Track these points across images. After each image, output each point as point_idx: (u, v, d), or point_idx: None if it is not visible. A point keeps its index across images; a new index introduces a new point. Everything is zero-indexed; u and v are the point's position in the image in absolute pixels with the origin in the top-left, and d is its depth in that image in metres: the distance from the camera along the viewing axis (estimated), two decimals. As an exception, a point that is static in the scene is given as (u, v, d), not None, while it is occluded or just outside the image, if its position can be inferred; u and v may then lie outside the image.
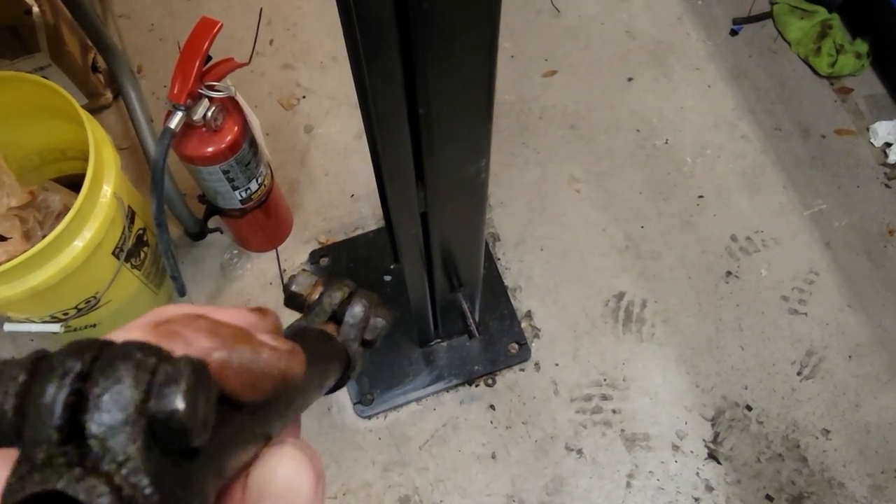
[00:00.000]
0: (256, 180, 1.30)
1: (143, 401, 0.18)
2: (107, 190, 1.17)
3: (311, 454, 0.22)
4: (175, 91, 1.09)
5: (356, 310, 0.37)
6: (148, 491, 0.18)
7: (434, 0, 0.54)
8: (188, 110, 1.11)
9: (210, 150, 1.18)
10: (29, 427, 0.18)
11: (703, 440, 1.36)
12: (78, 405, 0.19)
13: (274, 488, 0.21)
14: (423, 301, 1.24)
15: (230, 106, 1.20)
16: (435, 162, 0.79)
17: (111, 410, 0.18)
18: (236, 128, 1.19)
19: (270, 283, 1.49)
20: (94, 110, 1.65)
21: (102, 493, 0.17)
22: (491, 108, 0.78)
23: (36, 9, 1.38)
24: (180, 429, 0.18)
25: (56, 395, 0.18)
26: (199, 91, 1.11)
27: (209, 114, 1.14)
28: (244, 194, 1.30)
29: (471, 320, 1.20)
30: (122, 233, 1.23)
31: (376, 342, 0.39)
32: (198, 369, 0.19)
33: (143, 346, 0.19)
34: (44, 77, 1.51)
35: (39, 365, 0.19)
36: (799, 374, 1.41)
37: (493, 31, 0.63)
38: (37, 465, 0.18)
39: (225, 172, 1.23)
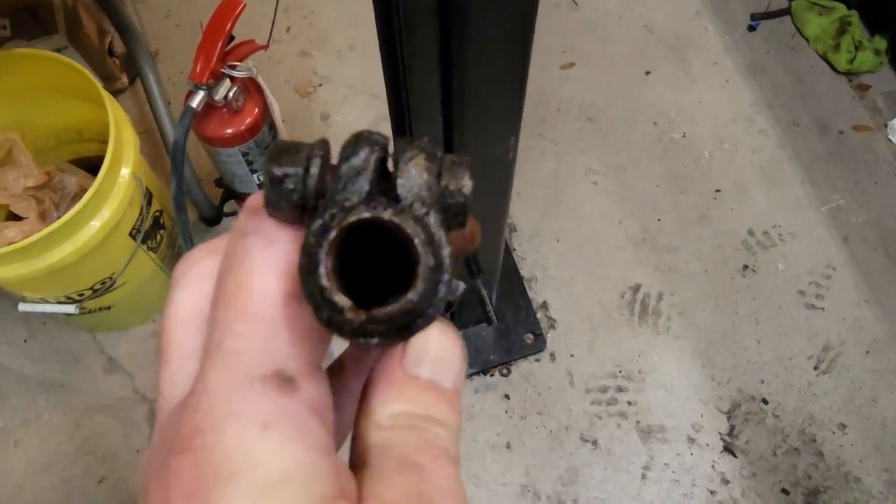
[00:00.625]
0: (275, 164, 1.30)
1: (437, 175, 0.22)
2: (125, 171, 1.16)
3: (459, 335, 0.25)
4: (197, 70, 1.09)
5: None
6: (444, 242, 0.21)
7: None
8: (210, 90, 1.11)
9: (230, 131, 1.18)
10: (340, 185, 0.21)
11: (719, 433, 1.35)
12: (383, 172, 0.22)
13: (432, 354, 0.23)
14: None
15: (251, 87, 1.20)
16: (465, 137, 0.79)
17: (415, 177, 0.21)
18: (257, 110, 1.19)
19: (285, 270, 1.49)
20: (111, 94, 1.64)
21: (417, 231, 0.21)
22: (524, 84, 0.78)
23: (55, -11, 1.38)
24: (463, 204, 0.22)
25: (369, 157, 0.21)
26: (222, 71, 1.11)
27: (230, 94, 1.14)
28: (262, 178, 1.29)
29: (490, 307, 1.19)
30: (140, 214, 1.22)
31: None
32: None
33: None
34: (61, 59, 1.51)
35: (351, 139, 0.22)
36: (815, 368, 1.40)
37: (532, 6, 0.62)
38: (349, 206, 0.21)
39: (244, 155, 1.23)
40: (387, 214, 0.21)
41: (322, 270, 0.20)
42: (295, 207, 0.22)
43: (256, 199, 0.23)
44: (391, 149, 0.22)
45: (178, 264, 0.25)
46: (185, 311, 0.24)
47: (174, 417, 0.21)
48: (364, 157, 0.21)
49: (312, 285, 0.20)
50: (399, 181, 0.21)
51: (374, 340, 0.21)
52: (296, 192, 0.21)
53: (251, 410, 0.20)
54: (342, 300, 0.20)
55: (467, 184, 0.21)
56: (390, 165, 0.22)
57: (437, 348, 0.24)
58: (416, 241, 0.20)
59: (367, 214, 0.21)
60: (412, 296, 0.20)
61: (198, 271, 0.24)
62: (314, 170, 0.22)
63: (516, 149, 0.85)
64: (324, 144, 0.22)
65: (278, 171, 0.21)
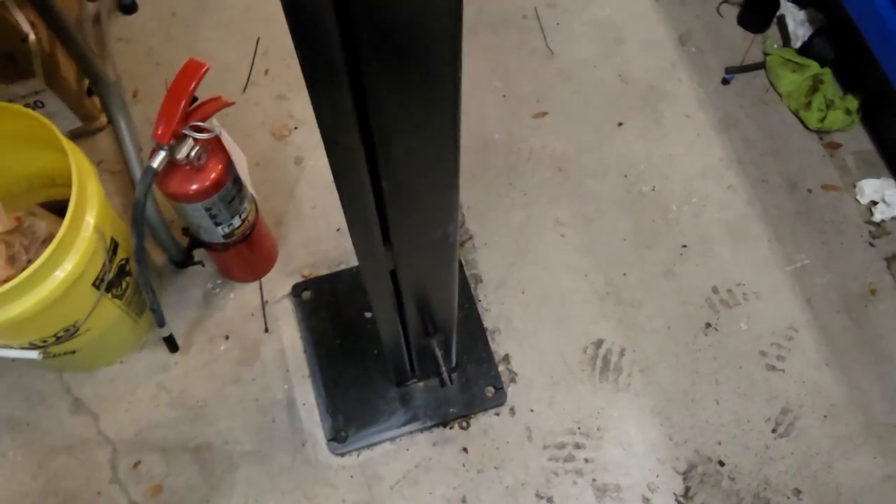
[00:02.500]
0: (240, 216, 1.32)
1: None
2: (90, 221, 1.18)
3: None
4: (159, 132, 1.11)
5: None
6: None
7: (385, 59, 0.52)
8: (171, 150, 1.13)
9: (193, 187, 1.19)
10: None
11: (675, 494, 1.36)
12: None
13: None
14: (397, 344, 1.25)
15: (215, 145, 1.21)
16: (401, 227, 0.80)
17: None
18: (220, 166, 1.21)
19: (252, 315, 1.50)
20: (89, 133, 1.66)
21: None
22: (456, 174, 0.79)
23: (32, 37, 1.40)
24: None
25: None
26: (183, 132, 1.13)
27: (192, 153, 1.15)
28: (227, 230, 1.31)
29: (443, 368, 1.20)
30: (103, 266, 1.24)
31: None
32: None
33: None
34: (39, 101, 1.53)
35: None
36: (773, 431, 1.41)
37: (455, 108, 0.63)
38: None
39: (208, 209, 1.24)
40: None
41: None
42: None
43: None
44: None
45: None
46: None
47: None
48: None
49: None
50: None
51: None
52: None
53: None
54: None
55: None
56: None
57: None
58: None
59: None
60: None
61: None
62: None
63: (456, 232, 0.86)
64: None
65: None
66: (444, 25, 0.50)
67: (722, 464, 1.38)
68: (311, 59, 0.53)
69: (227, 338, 1.48)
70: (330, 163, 0.69)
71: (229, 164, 1.23)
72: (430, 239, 0.85)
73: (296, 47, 0.51)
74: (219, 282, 1.53)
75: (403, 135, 0.63)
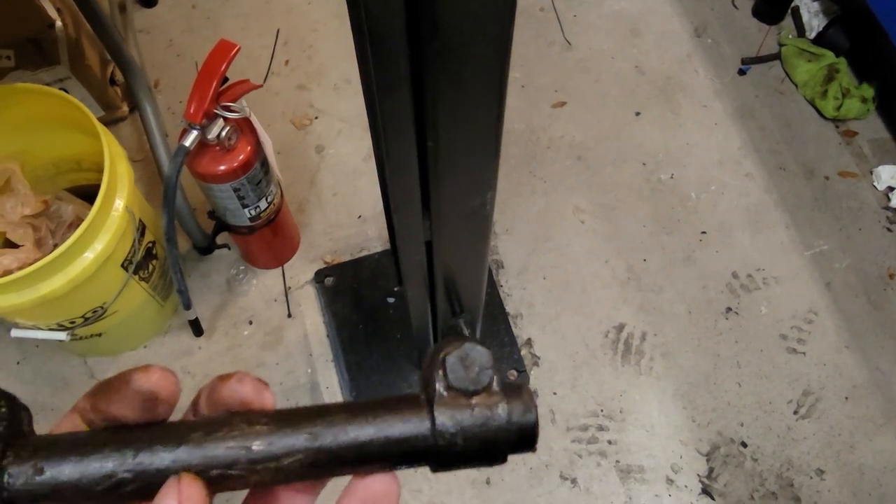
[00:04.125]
0: (266, 199, 1.33)
1: None
2: (119, 203, 1.19)
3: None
4: (191, 111, 1.12)
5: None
6: None
7: (444, 40, 0.56)
8: (203, 129, 1.14)
9: (222, 168, 1.20)
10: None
11: (698, 475, 1.36)
12: None
13: (374, 492, 0.27)
14: (424, 324, 1.26)
15: (244, 126, 1.22)
16: (441, 193, 0.81)
17: None
18: (249, 147, 1.22)
19: (275, 300, 1.51)
20: (111, 122, 1.68)
21: None
22: (498, 144, 0.80)
23: (59, 23, 1.42)
24: None
25: None
26: (215, 111, 1.14)
27: (223, 133, 1.16)
28: (253, 212, 1.32)
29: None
30: (132, 246, 1.25)
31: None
32: None
33: None
34: (63, 88, 1.55)
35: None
36: (795, 413, 1.41)
37: (503, 74, 0.65)
38: None
39: (236, 190, 1.25)
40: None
41: None
42: None
43: None
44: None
45: None
46: None
47: None
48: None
49: None
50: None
51: None
52: None
53: None
54: None
55: None
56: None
57: (382, 485, 0.27)
58: None
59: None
60: None
61: None
62: None
63: (493, 202, 0.87)
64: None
65: None
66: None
67: (745, 445, 1.38)
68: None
69: (250, 323, 1.49)
70: (379, 121, 0.70)
71: (258, 146, 1.24)
72: (468, 207, 0.86)
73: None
74: (242, 268, 1.54)
75: (453, 96, 0.65)
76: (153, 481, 0.23)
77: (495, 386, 0.26)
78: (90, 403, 0.24)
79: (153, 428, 0.24)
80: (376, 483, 0.27)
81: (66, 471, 0.23)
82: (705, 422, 1.40)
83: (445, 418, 0.25)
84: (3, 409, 0.23)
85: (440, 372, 0.26)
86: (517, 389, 0.26)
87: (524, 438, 0.26)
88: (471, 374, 0.26)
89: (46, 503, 0.23)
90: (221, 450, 0.24)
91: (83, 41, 1.52)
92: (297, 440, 0.24)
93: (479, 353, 0.26)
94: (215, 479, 0.24)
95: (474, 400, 0.25)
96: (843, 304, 1.51)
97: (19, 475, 0.22)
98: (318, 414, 0.25)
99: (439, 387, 0.26)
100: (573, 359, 1.46)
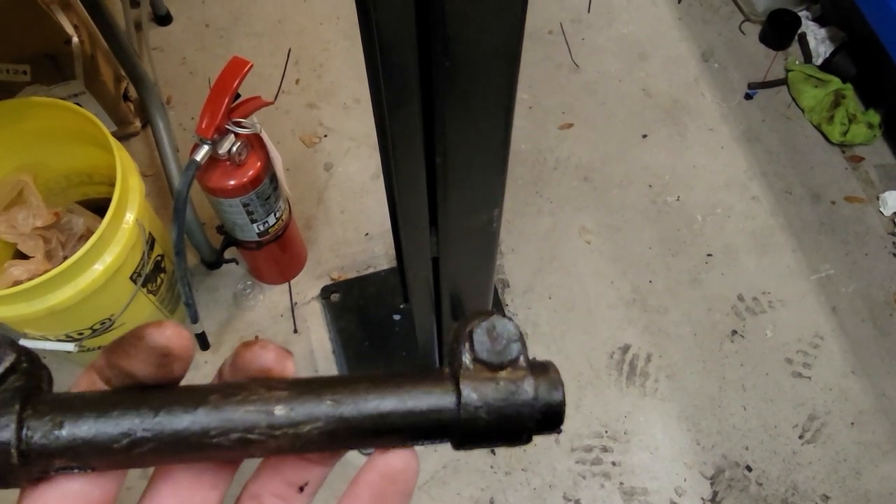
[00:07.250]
0: (275, 214, 1.34)
1: None
2: (129, 216, 1.20)
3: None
4: (203, 126, 1.14)
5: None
6: None
7: (455, 59, 0.57)
8: (214, 144, 1.15)
9: (232, 183, 1.22)
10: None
11: (702, 498, 1.35)
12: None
13: (393, 468, 0.27)
14: (430, 341, 1.26)
15: (254, 142, 1.24)
16: (449, 209, 0.82)
17: None
18: (259, 163, 1.23)
19: (281, 316, 1.52)
20: (123, 137, 1.70)
21: None
22: (506, 161, 0.82)
23: (75, 39, 1.44)
24: None
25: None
26: (226, 127, 1.15)
27: (234, 149, 1.18)
28: (262, 227, 1.33)
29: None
30: (141, 259, 1.26)
31: None
32: None
33: None
34: (77, 103, 1.56)
35: None
36: (801, 437, 1.41)
37: (511, 94, 0.66)
38: None
39: (245, 205, 1.27)
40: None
41: None
42: None
43: None
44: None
45: None
46: None
47: None
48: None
49: None
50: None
51: None
52: None
53: None
54: None
55: None
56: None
57: (400, 461, 0.27)
58: None
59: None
60: None
61: None
62: None
63: (500, 219, 0.88)
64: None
65: None
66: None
67: (749, 469, 1.38)
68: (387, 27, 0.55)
69: (256, 338, 1.49)
70: (389, 137, 0.71)
71: (268, 162, 1.26)
72: (475, 223, 0.87)
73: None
74: (249, 283, 1.55)
75: (462, 112, 0.66)
76: (171, 441, 0.23)
77: (522, 361, 0.26)
78: (106, 359, 0.24)
79: (171, 389, 0.24)
80: (396, 459, 0.26)
81: (85, 427, 0.23)
82: (710, 445, 1.40)
83: (470, 390, 0.25)
84: (25, 365, 0.23)
85: (467, 344, 0.26)
86: (544, 367, 0.26)
87: (550, 417, 0.26)
88: (497, 347, 0.25)
89: (62, 459, 0.23)
90: (241, 413, 0.24)
91: (98, 57, 1.54)
92: (318, 407, 0.24)
93: (507, 326, 0.26)
94: (234, 443, 0.24)
95: (500, 374, 0.25)
96: (849, 329, 1.51)
97: (38, 428, 0.23)
98: (341, 382, 0.25)
99: (465, 359, 0.25)
100: (578, 379, 1.46)
